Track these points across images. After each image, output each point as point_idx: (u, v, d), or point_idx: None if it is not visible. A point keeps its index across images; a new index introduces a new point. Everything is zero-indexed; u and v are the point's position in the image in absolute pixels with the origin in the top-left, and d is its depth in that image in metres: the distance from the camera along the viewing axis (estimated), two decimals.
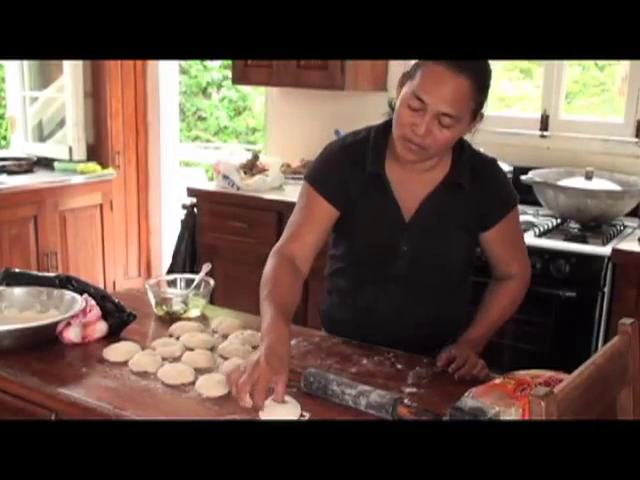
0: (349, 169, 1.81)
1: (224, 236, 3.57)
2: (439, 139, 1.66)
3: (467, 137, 1.84)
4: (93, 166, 4.38)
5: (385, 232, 1.81)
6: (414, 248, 1.80)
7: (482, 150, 3.16)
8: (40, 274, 2.02)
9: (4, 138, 5.64)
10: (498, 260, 1.90)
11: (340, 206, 1.81)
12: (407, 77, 1.70)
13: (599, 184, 2.86)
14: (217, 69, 7.68)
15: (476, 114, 1.71)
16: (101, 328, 1.84)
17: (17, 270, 2.03)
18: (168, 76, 4.67)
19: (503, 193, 1.86)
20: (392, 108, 1.87)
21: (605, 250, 2.61)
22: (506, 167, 3.12)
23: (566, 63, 3.35)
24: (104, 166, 4.46)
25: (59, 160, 4.42)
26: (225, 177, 3.62)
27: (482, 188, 1.80)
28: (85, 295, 1.87)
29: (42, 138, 4.68)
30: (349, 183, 1.81)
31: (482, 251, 1.91)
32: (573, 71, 4.12)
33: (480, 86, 1.66)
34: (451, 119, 1.64)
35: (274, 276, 1.70)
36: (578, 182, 2.88)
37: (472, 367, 1.67)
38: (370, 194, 1.81)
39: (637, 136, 3.12)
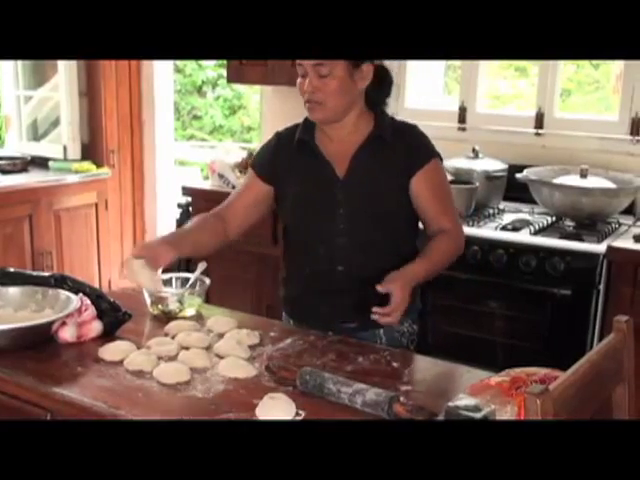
0: (279, 145, 2.05)
1: None
2: (326, 89, 1.86)
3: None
4: (88, 165, 4.37)
5: (321, 188, 1.95)
6: (350, 197, 1.93)
7: (477, 147, 3.18)
8: (35, 273, 2.01)
9: None
10: (430, 215, 1.96)
11: (269, 179, 2.02)
12: None
13: (594, 182, 2.87)
14: (212, 68, 7.66)
15: (351, 63, 1.86)
16: (96, 327, 1.84)
17: (12, 269, 2.03)
18: (163, 75, 4.65)
19: (423, 145, 1.99)
20: None
21: (600, 248, 2.62)
22: (501, 165, 3.14)
23: (561, 61, 3.35)
24: (99, 165, 4.44)
25: (54, 159, 4.40)
26: (220, 176, 3.62)
27: (403, 141, 1.96)
28: (80, 294, 1.87)
29: (37, 137, 4.66)
30: (278, 158, 2.02)
31: (418, 212, 1.97)
32: (568, 69, 4.12)
33: None
34: (325, 67, 1.84)
35: (193, 223, 2.03)
36: (573, 180, 2.88)
37: (392, 314, 1.76)
38: (301, 160, 1.99)
39: (632, 134, 3.12)
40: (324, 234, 1.95)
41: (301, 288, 2.03)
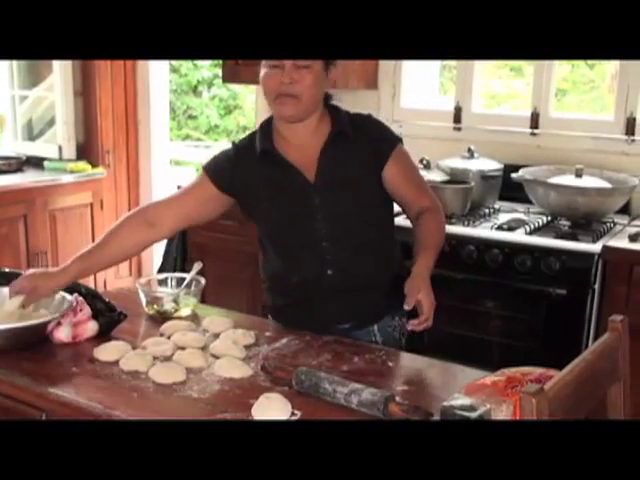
0: (238, 158, 1.97)
1: (215, 235, 3.57)
2: (304, 83, 1.83)
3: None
4: (83, 165, 4.36)
5: (295, 195, 1.92)
6: (327, 199, 1.90)
7: (472, 147, 3.18)
8: None
9: None
10: (408, 198, 1.98)
11: (225, 188, 1.95)
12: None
13: (589, 181, 2.87)
14: (207, 67, 7.67)
15: (325, 63, 1.87)
16: (92, 327, 1.83)
17: (7, 270, 2.03)
18: (158, 75, 4.65)
19: (384, 133, 2.00)
20: None
21: (595, 247, 2.62)
22: (496, 165, 3.14)
23: (556, 61, 3.35)
24: (94, 165, 4.44)
25: (49, 159, 4.39)
26: None
27: (364, 132, 1.95)
28: (75, 294, 1.87)
29: (32, 137, 4.65)
30: (238, 169, 1.95)
31: (394, 198, 1.99)
32: (563, 69, 4.13)
33: None
34: (305, 64, 1.81)
35: (116, 227, 1.94)
36: (568, 180, 2.88)
37: (427, 319, 1.76)
38: (267, 170, 1.93)
39: (626, 133, 3.13)
40: (307, 241, 1.91)
41: (289, 297, 1.99)
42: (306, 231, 1.91)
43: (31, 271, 1.87)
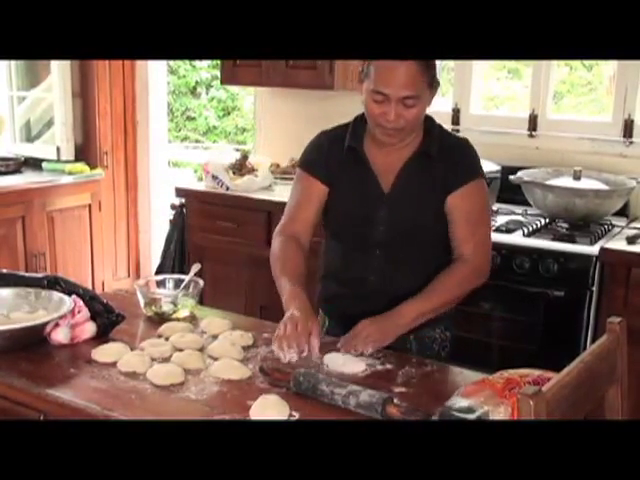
0: (330, 148, 1.99)
1: (213, 236, 3.57)
2: (409, 118, 1.82)
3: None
4: (81, 166, 4.36)
5: (365, 201, 1.93)
6: (392, 213, 1.92)
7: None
8: (28, 275, 2.01)
9: None
10: (455, 236, 1.92)
11: (325, 180, 1.97)
12: (363, 75, 1.87)
13: (587, 183, 2.87)
14: (206, 69, 7.67)
15: (432, 86, 1.86)
16: (90, 329, 1.83)
17: (5, 271, 2.02)
18: (156, 76, 4.65)
19: (468, 162, 1.95)
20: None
21: (593, 249, 2.62)
22: (494, 167, 3.14)
23: (554, 63, 3.35)
24: (92, 166, 4.43)
25: (47, 160, 4.39)
26: (214, 177, 3.61)
27: (448, 156, 1.92)
28: (73, 296, 1.87)
29: (30, 138, 4.65)
30: (330, 159, 1.98)
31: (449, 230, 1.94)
32: (561, 71, 4.13)
33: (427, 62, 1.80)
34: (413, 99, 1.79)
35: (283, 253, 1.92)
36: (566, 181, 2.89)
37: (355, 339, 1.78)
38: (349, 168, 1.96)
39: (624, 135, 3.13)
40: (362, 245, 1.95)
41: (336, 290, 2.04)
42: (365, 236, 1.94)
43: (292, 321, 1.72)
